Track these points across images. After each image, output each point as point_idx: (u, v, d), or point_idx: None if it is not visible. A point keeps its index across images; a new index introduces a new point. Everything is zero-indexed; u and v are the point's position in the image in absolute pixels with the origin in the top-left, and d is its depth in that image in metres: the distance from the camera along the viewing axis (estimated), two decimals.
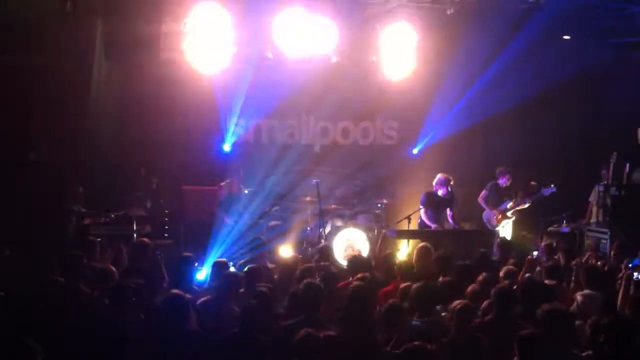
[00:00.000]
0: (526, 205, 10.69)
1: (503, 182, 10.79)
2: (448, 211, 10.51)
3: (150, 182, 10.87)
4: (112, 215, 9.77)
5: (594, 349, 4.89)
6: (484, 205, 10.90)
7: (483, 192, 10.93)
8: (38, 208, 9.30)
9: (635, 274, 6.75)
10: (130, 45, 10.85)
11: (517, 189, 10.86)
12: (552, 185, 10.52)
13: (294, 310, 5.71)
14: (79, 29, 10.53)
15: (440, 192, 10.37)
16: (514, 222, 10.81)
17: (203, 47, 10.67)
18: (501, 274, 6.84)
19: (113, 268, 6.68)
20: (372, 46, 11.43)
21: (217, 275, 6.92)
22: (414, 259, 7.63)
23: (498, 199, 10.81)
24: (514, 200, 10.71)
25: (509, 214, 10.73)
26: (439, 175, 10.44)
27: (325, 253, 8.76)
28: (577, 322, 5.39)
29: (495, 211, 10.77)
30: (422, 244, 7.95)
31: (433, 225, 10.32)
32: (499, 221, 10.74)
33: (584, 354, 4.88)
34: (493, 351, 4.87)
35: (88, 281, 6.41)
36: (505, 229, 10.73)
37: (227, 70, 10.99)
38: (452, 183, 10.37)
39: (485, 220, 10.94)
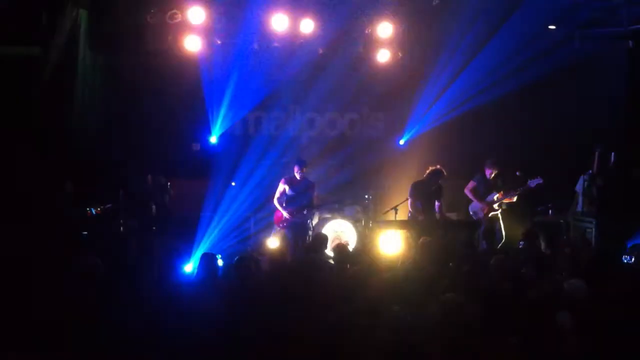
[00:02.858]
0: (514, 199, 10.70)
1: (489, 173, 10.82)
2: (436, 202, 10.53)
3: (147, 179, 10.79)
4: (99, 209, 9.69)
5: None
6: (471, 196, 10.90)
7: (470, 183, 10.92)
8: (24, 203, 9.21)
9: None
10: (115, 36, 10.78)
11: (505, 180, 10.86)
12: (539, 177, 10.54)
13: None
14: (63, 20, 10.45)
15: (431, 183, 10.31)
16: (501, 214, 10.84)
17: (189, 38, 10.62)
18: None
19: (99, 261, 6.62)
20: (359, 37, 11.42)
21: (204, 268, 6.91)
22: (418, 253, 7.55)
23: (486, 190, 10.83)
24: (501, 192, 10.72)
25: (495, 205, 10.75)
26: (432, 168, 10.41)
27: (320, 242, 8.51)
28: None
29: (482, 203, 10.79)
30: (423, 238, 7.91)
31: (421, 216, 10.32)
32: (486, 213, 10.77)
33: None
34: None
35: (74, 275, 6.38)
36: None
37: (214, 62, 10.95)
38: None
39: (471, 212, 10.95)
